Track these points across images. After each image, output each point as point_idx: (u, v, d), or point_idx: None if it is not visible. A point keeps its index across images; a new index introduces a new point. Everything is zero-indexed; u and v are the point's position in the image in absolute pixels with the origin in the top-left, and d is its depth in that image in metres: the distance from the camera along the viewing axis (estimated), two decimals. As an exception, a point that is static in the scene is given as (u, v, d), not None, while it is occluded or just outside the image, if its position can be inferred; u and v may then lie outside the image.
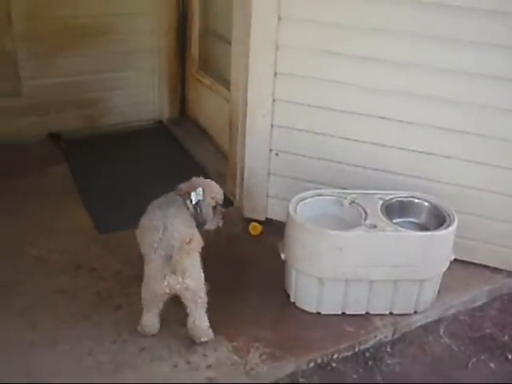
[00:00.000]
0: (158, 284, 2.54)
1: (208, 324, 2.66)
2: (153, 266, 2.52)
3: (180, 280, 2.52)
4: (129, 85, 4.76)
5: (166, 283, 2.52)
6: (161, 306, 2.65)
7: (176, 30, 4.70)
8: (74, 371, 2.50)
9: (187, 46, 4.75)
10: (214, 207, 2.84)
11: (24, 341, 2.64)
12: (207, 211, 2.79)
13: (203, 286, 2.61)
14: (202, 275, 2.62)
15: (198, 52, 4.70)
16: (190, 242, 2.46)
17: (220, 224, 2.88)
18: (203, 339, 2.66)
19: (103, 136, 4.64)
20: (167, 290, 2.55)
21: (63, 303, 2.87)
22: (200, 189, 2.77)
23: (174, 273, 2.49)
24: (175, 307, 2.78)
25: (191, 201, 2.75)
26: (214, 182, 2.90)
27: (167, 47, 4.72)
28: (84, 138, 4.59)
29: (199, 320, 2.63)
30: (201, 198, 2.76)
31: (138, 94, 4.84)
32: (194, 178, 2.88)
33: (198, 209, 2.75)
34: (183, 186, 2.83)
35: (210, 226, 2.84)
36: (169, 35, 4.69)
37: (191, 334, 2.66)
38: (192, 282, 2.54)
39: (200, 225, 2.78)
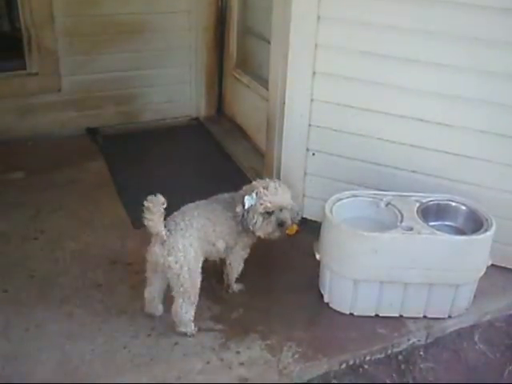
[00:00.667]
0: (148, 248, 2.61)
1: (191, 318, 2.67)
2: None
3: (164, 253, 2.55)
4: (166, 81, 4.81)
5: (152, 249, 2.57)
6: (157, 281, 2.69)
7: (214, 28, 4.72)
8: (109, 363, 2.54)
9: (225, 44, 4.78)
10: (268, 213, 2.71)
11: (61, 332, 2.70)
12: (253, 217, 2.70)
13: (193, 279, 2.60)
14: (197, 270, 2.62)
15: (236, 50, 4.72)
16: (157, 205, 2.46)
17: (269, 232, 2.75)
18: (181, 329, 2.68)
19: (140, 132, 4.70)
20: (152, 258, 2.60)
21: (99, 297, 2.92)
22: (254, 194, 2.71)
23: (163, 244, 2.54)
24: (208, 302, 2.83)
25: (244, 205, 2.71)
26: (275, 188, 2.72)
27: (205, 44, 4.75)
28: (121, 133, 4.65)
29: (180, 310, 2.64)
30: (253, 203, 2.70)
31: (176, 91, 4.88)
32: (254, 182, 2.80)
33: (245, 214, 2.70)
34: (244, 187, 2.80)
35: (259, 232, 2.76)
36: (207, 33, 4.72)
37: (173, 319, 2.69)
38: (175, 263, 2.55)
39: (245, 230, 2.76)
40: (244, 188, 2.80)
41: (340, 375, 2.62)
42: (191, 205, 2.76)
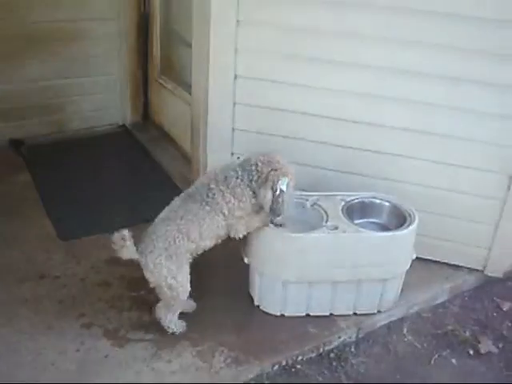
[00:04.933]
0: None
1: (170, 320, 2.71)
2: None
3: (143, 270, 2.61)
4: (92, 90, 4.72)
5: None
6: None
7: (137, 34, 4.67)
8: (37, 382, 2.47)
9: (149, 51, 4.73)
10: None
11: (-15, 351, 2.61)
12: (285, 204, 2.55)
13: (173, 291, 2.61)
14: (177, 282, 2.61)
15: (160, 56, 4.68)
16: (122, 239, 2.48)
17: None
18: (169, 330, 2.72)
19: (66, 142, 4.59)
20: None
21: (25, 313, 2.83)
22: (286, 179, 2.51)
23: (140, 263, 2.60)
24: (138, 312, 2.80)
25: (275, 190, 2.51)
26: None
27: (128, 51, 4.69)
28: (47, 144, 4.53)
29: (164, 313, 2.69)
30: (285, 188, 2.51)
31: (102, 99, 4.79)
32: (260, 156, 2.62)
33: (280, 200, 2.52)
34: (262, 165, 2.58)
35: (281, 220, 2.67)
36: (129, 39, 4.66)
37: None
38: (151, 276, 2.60)
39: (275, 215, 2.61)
40: (238, 162, 2.71)
41: (273, 376, 2.63)
42: (162, 216, 2.66)
